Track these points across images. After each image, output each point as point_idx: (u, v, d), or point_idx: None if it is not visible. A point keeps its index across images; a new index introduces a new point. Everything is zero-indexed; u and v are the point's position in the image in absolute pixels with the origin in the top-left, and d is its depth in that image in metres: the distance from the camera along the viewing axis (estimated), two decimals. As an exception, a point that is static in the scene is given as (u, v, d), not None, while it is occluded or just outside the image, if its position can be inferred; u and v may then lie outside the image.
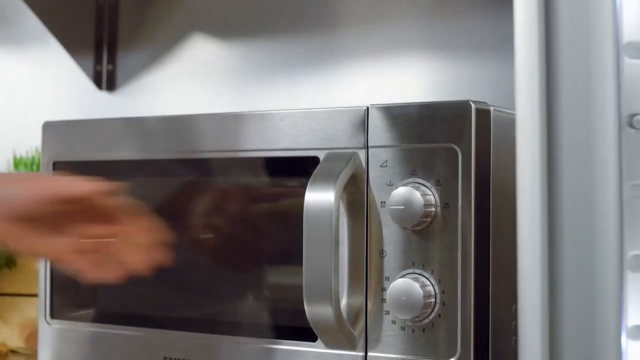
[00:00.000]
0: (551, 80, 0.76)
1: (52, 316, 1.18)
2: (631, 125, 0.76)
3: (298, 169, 1.00)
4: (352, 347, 0.96)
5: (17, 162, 1.67)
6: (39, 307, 1.20)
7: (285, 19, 1.51)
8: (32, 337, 1.40)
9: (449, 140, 0.92)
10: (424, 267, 0.93)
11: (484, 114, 0.93)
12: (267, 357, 1.02)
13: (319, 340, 0.97)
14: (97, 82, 1.67)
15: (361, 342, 0.96)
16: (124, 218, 0.95)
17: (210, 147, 1.07)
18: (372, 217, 0.96)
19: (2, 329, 1.47)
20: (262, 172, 1.04)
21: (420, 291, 0.92)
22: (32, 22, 1.63)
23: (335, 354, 0.97)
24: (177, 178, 1.11)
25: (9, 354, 1.42)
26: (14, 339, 1.45)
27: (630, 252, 0.76)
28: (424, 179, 0.93)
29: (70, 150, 1.17)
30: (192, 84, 1.59)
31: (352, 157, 0.96)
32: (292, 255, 0.99)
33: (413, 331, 0.94)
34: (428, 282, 0.93)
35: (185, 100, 1.59)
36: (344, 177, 0.95)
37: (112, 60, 1.67)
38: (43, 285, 1.19)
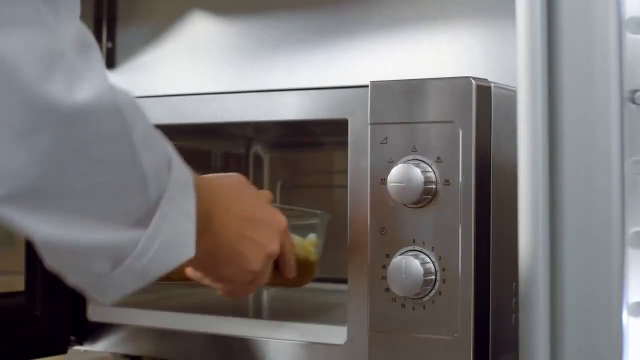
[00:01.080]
0: (552, 56, 0.76)
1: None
2: (633, 101, 0.76)
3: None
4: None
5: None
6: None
7: (285, -5, 1.51)
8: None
9: (450, 117, 0.92)
10: (424, 245, 0.93)
11: (484, 91, 0.93)
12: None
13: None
14: (97, 59, 1.67)
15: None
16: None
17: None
18: (372, 194, 0.96)
19: None
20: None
21: (420, 268, 0.91)
22: None
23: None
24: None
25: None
26: None
27: (632, 229, 0.76)
28: (424, 155, 0.93)
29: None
30: (191, 62, 1.59)
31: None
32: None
33: (413, 308, 0.93)
34: (428, 260, 0.92)
35: (185, 77, 1.59)
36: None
37: (111, 37, 1.66)
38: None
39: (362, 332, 0.96)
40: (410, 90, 0.94)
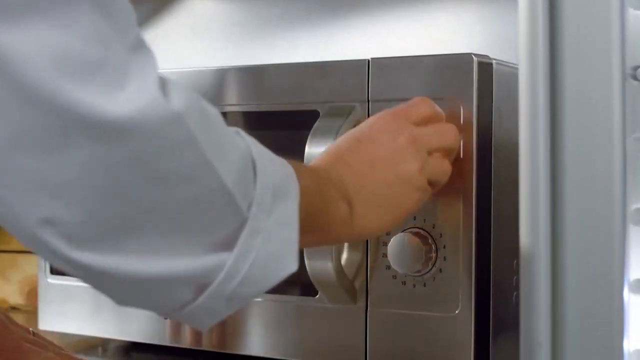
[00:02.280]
0: (554, 32, 0.75)
1: (52, 272, 1.18)
2: (635, 78, 0.76)
3: (298, 123, 0.99)
4: (353, 301, 0.96)
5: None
6: (39, 263, 1.19)
7: (285, -27, 1.50)
8: (32, 294, 1.40)
9: (451, 94, 0.92)
10: (425, 222, 0.93)
11: (486, 67, 0.92)
12: (268, 312, 1.02)
13: (319, 295, 0.97)
14: (96, 38, 1.66)
15: (362, 297, 0.96)
16: None
17: (210, 101, 1.07)
18: (373, 172, 0.95)
19: (3, 286, 1.47)
20: (262, 126, 1.04)
21: (421, 246, 0.91)
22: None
23: (336, 308, 0.97)
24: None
25: (10, 310, 1.42)
26: (14, 296, 1.45)
27: (633, 206, 0.75)
28: (425, 132, 0.92)
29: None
30: (191, 40, 1.58)
31: (353, 111, 0.96)
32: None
33: (414, 286, 0.93)
34: (429, 237, 0.92)
35: (185, 55, 1.58)
36: (344, 131, 0.94)
37: (110, 16, 1.66)
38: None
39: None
40: (411, 67, 0.94)
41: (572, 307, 0.74)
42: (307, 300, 0.99)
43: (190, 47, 1.58)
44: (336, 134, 0.93)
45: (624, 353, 0.72)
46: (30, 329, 0.98)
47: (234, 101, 1.05)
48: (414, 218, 0.93)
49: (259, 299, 1.02)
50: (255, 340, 1.03)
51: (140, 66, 0.59)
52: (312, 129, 0.94)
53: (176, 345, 1.09)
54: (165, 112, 0.58)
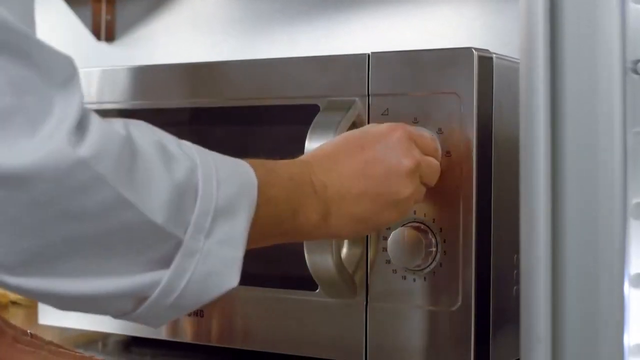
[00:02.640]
0: (555, 26, 0.75)
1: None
2: (635, 72, 0.75)
3: (298, 117, 0.99)
4: (352, 296, 0.96)
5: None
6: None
7: (285, -33, 1.50)
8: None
9: (451, 88, 0.92)
10: (425, 216, 0.93)
11: (486, 61, 0.92)
12: (267, 306, 1.02)
13: (319, 289, 0.97)
14: (96, 32, 1.66)
15: (362, 292, 0.96)
16: None
17: (209, 95, 1.07)
18: (373, 166, 0.95)
19: (2, 281, 1.47)
20: (262, 120, 1.04)
21: (421, 240, 0.91)
22: (29, -29, 1.61)
23: (336, 302, 0.97)
24: (176, 127, 1.10)
25: (9, 304, 1.42)
26: (14, 290, 1.45)
27: (634, 200, 0.75)
28: (425, 127, 0.92)
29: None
30: (191, 34, 1.58)
31: (353, 105, 0.95)
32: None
33: (414, 280, 0.93)
34: (429, 231, 0.92)
35: (185, 50, 1.58)
36: (344, 125, 0.94)
37: (110, 10, 1.66)
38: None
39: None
40: (411, 61, 0.94)
41: (572, 302, 0.74)
42: (307, 295, 0.99)
43: (190, 41, 1.58)
44: (336, 128, 0.93)
45: (624, 347, 0.72)
46: (28, 330, 0.98)
47: (233, 95, 1.05)
48: (414, 212, 0.93)
49: (259, 293, 1.02)
50: (254, 335, 1.03)
51: (61, 108, 0.62)
52: (312, 123, 0.94)
53: (176, 339, 1.09)
54: (68, 160, 0.61)
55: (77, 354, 1.00)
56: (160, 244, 0.67)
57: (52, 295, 0.65)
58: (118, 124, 0.66)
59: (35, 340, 0.97)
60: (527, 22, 0.76)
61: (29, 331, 0.98)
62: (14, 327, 0.95)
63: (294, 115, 1.00)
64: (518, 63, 0.75)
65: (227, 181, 0.72)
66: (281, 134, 1.03)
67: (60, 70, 0.64)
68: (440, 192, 0.92)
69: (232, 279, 0.72)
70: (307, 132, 0.94)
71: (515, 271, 0.94)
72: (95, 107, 1.13)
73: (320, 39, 1.45)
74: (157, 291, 0.68)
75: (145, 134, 0.68)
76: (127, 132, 0.66)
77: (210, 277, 0.70)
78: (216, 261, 0.70)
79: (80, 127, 0.63)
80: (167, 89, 1.10)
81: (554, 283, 0.75)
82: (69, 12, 1.64)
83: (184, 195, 0.68)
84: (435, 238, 0.92)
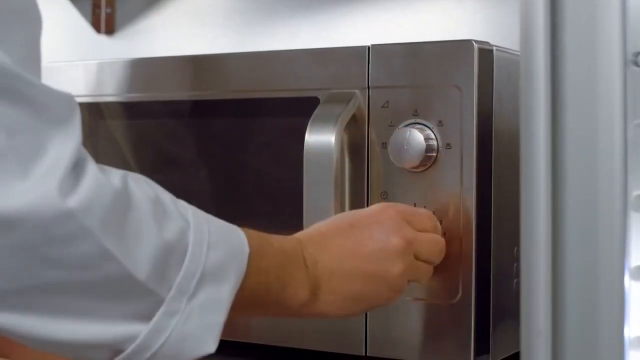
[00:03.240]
0: (555, 18, 0.75)
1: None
2: (636, 64, 0.75)
3: (298, 109, 0.99)
4: None
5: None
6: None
7: (286, -40, 1.49)
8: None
9: (451, 81, 0.91)
10: (425, 209, 0.92)
11: (486, 54, 0.92)
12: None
13: (319, 283, 0.97)
14: (96, 25, 1.66)
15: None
16: None
17: (210, 88, 1.06)
18: (373, 159, 0.95)
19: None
20: (262, 113, 1.03)
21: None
22: (29, -36, 1.61)
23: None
24: (177, 119, 1.10)
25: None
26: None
27: (634, 192, 0.75)
28: (425, 119, 0.92)
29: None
30: (192, 27, 1.58)
31: (353, 97, 0.95)
32: (293, 198, 0.98)
33: (414, 273, 0.93)
34: (429, 224, 0.92)
35: (185, 43, 1.58)
36: (344, 118, 0.94)
37: (110, 3, 1.65)
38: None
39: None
40: (411, 54, 0.94)
41: (572, 295, 0.74)
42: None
43: (190, 34, 1.58)
44: (336, 120, 0.93)
45: (624, 340, 0.72)
46: None
47: (234, 88, 1.05)
48: (414, 205, 0.92)
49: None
50: (254, 327, 1.03)
51: (56, 150, 0.62)
52: (312, 115, 0.94)
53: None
54: (54, 209, 0.61)
55: None
56: (141, 299, 0.67)
57: (24, 334, 0.65)
58: (116, 175, 0.66)
59: None
60: (527, 15, 0.76)
61: None
62: None
63: (294, 107, 1.00)
64: (518, 55, 0.75)
65: (218, 245, 0.71)
66: (281, 127, 1.03)
67: (57, 110, 0.63)
68: (440, 184, 0.92)
69: (209, 344, 0.71)
70: (307, 125, 0.93)
71: (515, 264, 0.94)
72: (95, 99, 1.13)
73: (321, 31, 1.45)
74: (132, 346, 0.68)
75: (143, 188, 0.68)
76: (124, 184, 0.66)
77: (188, 340, 0.70)
78: (196, 325, 0.70)
79: (75, 172, 0.63)
80: (167, 81, 1.10)
81: (554, 276, 0.74)
82: (69, 5, 1.64)
83: (171, 254, 0.68)
84: (436, 231, 0.92)
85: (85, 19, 1.65)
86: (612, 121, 0.74)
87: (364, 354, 0.96)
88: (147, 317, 0.68)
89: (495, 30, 1.29)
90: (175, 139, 1.10)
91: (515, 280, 0.95)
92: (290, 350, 1.01)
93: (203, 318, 0.70)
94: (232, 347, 1.06)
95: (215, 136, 1.07)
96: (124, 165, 1.06)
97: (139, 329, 0.67)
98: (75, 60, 1.21)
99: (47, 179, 0.61)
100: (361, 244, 0.84)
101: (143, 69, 1.12)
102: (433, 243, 0.89)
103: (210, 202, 1.09)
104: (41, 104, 0.62)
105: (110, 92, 1.13)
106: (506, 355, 0.96)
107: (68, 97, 0.65)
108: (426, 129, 0.92)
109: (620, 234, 0.73)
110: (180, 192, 1.00)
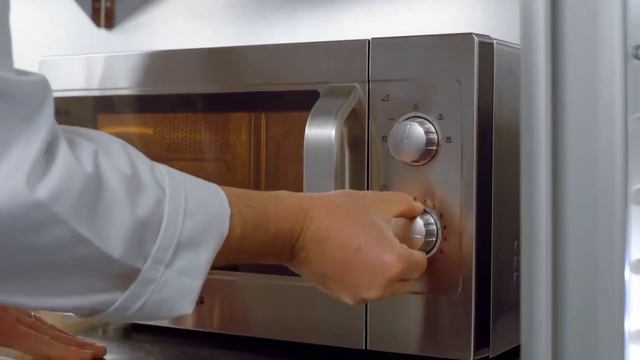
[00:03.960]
0: (555, 11, 0.75)
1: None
2: (636, 57, 0.75)
3: (298, 103, 0.99)
4: None
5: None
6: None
7: (285, -47, 1.49)
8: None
9: (452, 74, 0.91)
10: (425, 202, 0.92)
11: (487, 47, 0.92)
12: (268, 292, 1.02)
13: (319, 276, 0.97)
14: (95, 19, 1.65)
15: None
16: None
17: (209, 81, 1.06)
18: (373, 152, 0.95)
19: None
20: (262, 107, 1.03)
21: (422, 227, 0.91)
22: (29, -43, 1.61)
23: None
24: (176, 113, 1.10)
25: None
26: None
27: (635, 186, 0.75)
28: (425, 113, 0.92)
29: (68, 87, 1.16)
30: (191, 21, 1.58)
31: (353, 91, 0.95)
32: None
33: (414, 267, 0.93)
34: (430, 217, 0.92)
35: (185, 37, 1.58)
36: (344, 111, 0.94)
37: (110, -3, 1.65)
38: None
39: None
40: (412, 47, 0.94)
41: (572, 288, 0.74)
42: (308, 282, 0.98)
43: (190, 28, 1.58)
44: (336, 114, 0.93)
45: (624, 333, 0.72)
46: (32, 313, 0.98)
47: (234, 81, 1.04)
48: (415, 199, 0.92)
49: (259, 280, 1.02)
50: (255, 321, 1.03)
51: (24, 141, 0.62)
52: (312, 109, 0.94)
53: (176, 326, 1.09)
54: (24, 201, 0.62)
55: (79, 340, 1.00)
56: (117, 273, 0.69)
57: (9, 304, 0.69)
58: (87, 156, 0.67)
59: (38, 323, 0.97)
60: (527, 8, 0.76)
61: (32, 313, 0.98)
62: (19, 309, 0.95)
63: (294, 101, 1.00)
64: (519, 49, 0.75)
65: (196, 213, 0.72)
66: (281, 120, 1.03)
67: (26, 100, 0.63)
68: (440, 177, 0.91)
69: (185, 307, 0.74)
70: (307, 118, 0.93)
71: (515, 258, 0.94)
72: (96, 94, 1.13)
73: (321, 25, 1.45)
74: (110, 309, 0.71)
75: (117, 162, 0.69)
76: (96, 166, 0.67)
77: (164, 303, 0.72)
78: (172, 290, 0.72)
79: (47, 157, 0.63)
80: (167, 75, 1.09)
81: (555, 269, 0.74)
82: (68, -2, 1.64)
83: (145, 229, 0.69)
84: (436, 224, 0.92)
85: (85, 13, 1.65)
86: (612, 114, 0.74)
87: (364, 348, 0.96)
88: (123, 285, 0.70)
89: (496, 23, 1.29)
90: (175, 131, 1.10)
91: (515, 274, 0.95)
92: (291, 344, 1.01)
93: (180, 283, 0.72)
94: (233, 341, 1.06)
95: (213, 130, 1.07)
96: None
97: (116, 296, 0.71)
98: (75, 54, 1.21)
99: (15, 171, 0.61)
100: (357, 264, 0.84)
101: (143, 63, 1.12)
102: (420, 266, 0.89)
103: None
104: (9, 97, 0.62)
105: (110, 85, 1.13)
106: (506, 349, 0.96)
107: (39, 82, 0.65)
108: (426, 122, 0.92)
109: (621, 228, 0.73)
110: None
